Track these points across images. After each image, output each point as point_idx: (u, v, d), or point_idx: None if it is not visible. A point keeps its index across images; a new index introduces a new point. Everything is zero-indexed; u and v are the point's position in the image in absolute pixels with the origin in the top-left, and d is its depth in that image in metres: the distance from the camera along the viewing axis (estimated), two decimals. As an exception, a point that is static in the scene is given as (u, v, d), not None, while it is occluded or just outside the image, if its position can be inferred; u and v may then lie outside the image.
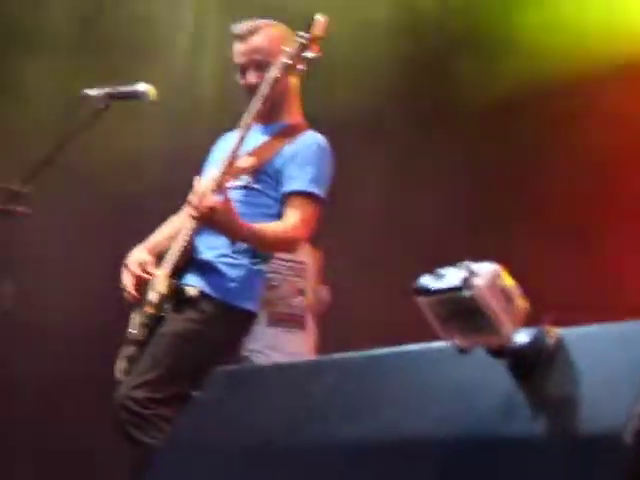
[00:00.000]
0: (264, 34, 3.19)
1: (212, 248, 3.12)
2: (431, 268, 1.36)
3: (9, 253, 3.38)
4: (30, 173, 3.36)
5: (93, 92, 3.36)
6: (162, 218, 3.42)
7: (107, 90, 3.33)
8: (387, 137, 5.06)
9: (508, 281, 1.33)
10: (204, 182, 3.15)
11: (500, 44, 4.78)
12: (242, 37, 3.21)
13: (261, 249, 3.10)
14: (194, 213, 3.02)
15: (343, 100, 4.85)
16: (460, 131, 4.91)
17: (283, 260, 3.89)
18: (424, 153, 5.13)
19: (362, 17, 4.80)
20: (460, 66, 4.87)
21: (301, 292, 4.39)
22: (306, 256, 4.34)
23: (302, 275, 4.42)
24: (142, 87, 3.32)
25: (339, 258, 4.74)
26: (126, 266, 3.18)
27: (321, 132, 3.28)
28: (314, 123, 3.35)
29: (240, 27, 3.20)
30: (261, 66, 3.11)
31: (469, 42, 4.92)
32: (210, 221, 2.99)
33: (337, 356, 1.66)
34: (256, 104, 3.06)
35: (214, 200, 2.95)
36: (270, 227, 3.08)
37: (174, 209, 3.32)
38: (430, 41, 4.97)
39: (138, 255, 3.21)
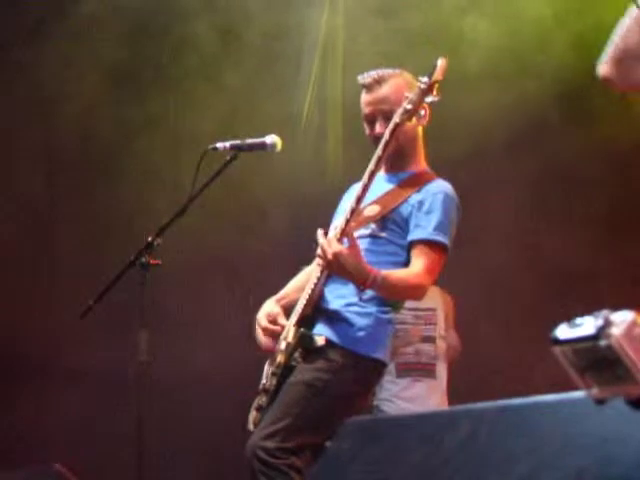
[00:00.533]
0: (390, 84, 3.21)
1: (340, 297, 3.14)
2: (571, 316, 1.35)
3: (143, 303, 3.48)
4: (163, 225, 3.48)
5: (222, 144, 3.47)
6: (293, 270, 3.49)
7: (235, 142, 3.43)
8: (517, 179, 5.04)
9: None
10: (331, 231, 3.20)
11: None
12: (368, 87, 3.25)
13: (388, 296, 3.10)
14: (321, 261, 3.06)
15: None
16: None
17: (410, 309, 3.89)
18: (564, 197, 5.12)
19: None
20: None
21: (430, 340, 4.38)
22: (435, 303, 4.34)
23: (431, 322, 4.42)
24: (270, 139, 3.41)
25: (472, 303, 4.72)
26: (257, 319, 3.24)
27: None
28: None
29: (366, 77, 3.24)
30: (388, 116, 3.13)
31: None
32: (337, 268, 3.02)
33: (471, 406, 1.63)
34: (379, 151, 3.09)
35: (340, 247, 2.98)
36: (396, 273, 3.08)
37: (304, 261, 3.37)
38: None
39: (267, 307, 3.26)
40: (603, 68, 2.60)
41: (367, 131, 3.26)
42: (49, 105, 5.43)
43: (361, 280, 3.01)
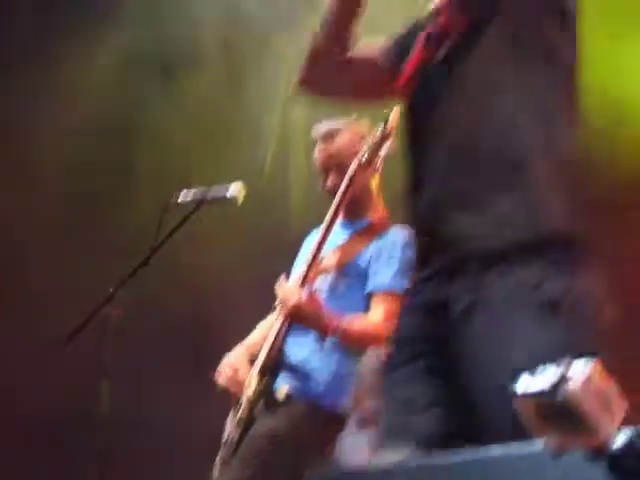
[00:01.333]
0: (344, 135, 3.24)
1: (302, 346, 3.14)
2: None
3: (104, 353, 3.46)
4: (124, 276, 3.47)
5: (183, 196, 3.47)
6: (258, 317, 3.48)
7: (197, 194, 3.43)
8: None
9: (604, 380, 1.32)
10: (291, 280, 3.20)
11: None
12: (323, 139, 3.27)
13: (349, 344, 3.11)
14: (281, 311, 3.06)
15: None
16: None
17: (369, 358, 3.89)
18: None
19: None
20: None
21: None
22: None
23: None
24: (233, 189, 3.40)
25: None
26: (221, 366, 3.22)
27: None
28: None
29: (320, 129, 3.26)
30: (342, 168, 3.15)
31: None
32: (297, 318, 3.03)
33: (417, 460, 1.64)
34: (336, 202, 3.12)
35: (299, 297, 2.99)
36: (357, 323, 3.09)
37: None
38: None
39: (232, 356, 3.25)
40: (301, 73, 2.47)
41: (321, 182, 3.27)
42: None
43: (322, 330, 3.01)
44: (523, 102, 1.92)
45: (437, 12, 2.07)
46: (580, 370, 1.33)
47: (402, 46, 2.20)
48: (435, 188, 1.95)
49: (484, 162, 1.91)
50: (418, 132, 2.05)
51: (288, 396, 3.06)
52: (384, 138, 3.06)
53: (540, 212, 1.85)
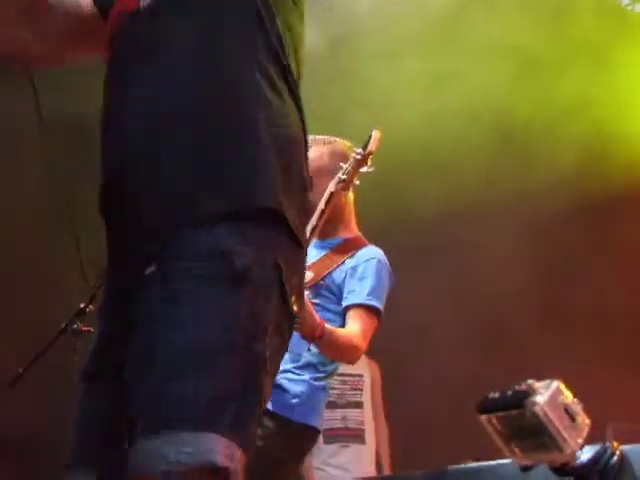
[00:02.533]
0: (323, 152, 3.27)
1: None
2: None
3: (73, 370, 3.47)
4: (94, 292, 3.45)
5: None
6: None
7: None
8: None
9: (570, 397, 1.36)
10: None
11: None
12: None
13: (330, 352, 3.11)
14: None
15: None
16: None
17: (338, 375, 3.90)
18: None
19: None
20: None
21: (358, 405, 4.42)
22: (362, 369, 4.38)
23: (357, 388, 4.47)
24: None
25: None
26: None
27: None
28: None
29: None
30: (320, 187, 3.17)
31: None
32: None
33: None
34: (313, 221, 3.14)
35: None
36: (341, 331, 3.11)
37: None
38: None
39: None
40: None
41: None
42: None
43: (311, 329, 3.01)
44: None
45: None
46: (545, 386, 1.38)
47: None
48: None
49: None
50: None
51: (264, 412, 3.06)
52: (364, 160, 3.09)
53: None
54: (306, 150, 1.65)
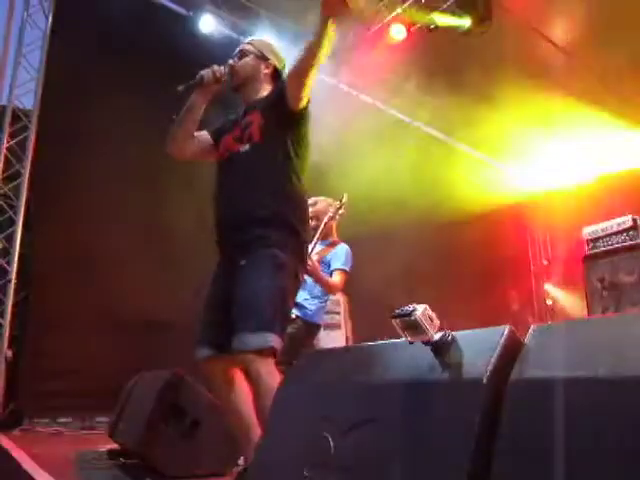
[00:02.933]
0: (322, 204, 6.58)
1: (300, 296, 5.66)
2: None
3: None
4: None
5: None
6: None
7: None
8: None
9: (430, 311, 2.33)
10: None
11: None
12: (311, 206, 6.55)
13: (326, 289, 5.95)
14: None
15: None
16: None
17: (330, 299, 6.85)
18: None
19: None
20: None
21: (337, 312, 7.80)
22: (341, 296, 8.09)
23: (338, 304, 7.45)
24: None
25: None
26: None
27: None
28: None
29: (309, 202, 5.83)
30: (320, 219, 6.35)
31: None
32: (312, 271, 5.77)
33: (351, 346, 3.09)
34: (318, 232, 5.95)
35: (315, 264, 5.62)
36: (331, 280, 5.85)
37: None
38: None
39: None
40: (168, 146, 4.23)
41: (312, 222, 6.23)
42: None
43: (318, 278, 5.97)
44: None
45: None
46: (422, 306, 2.40)
47: (218, 132, 4.11)
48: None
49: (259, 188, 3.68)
50: (223, 173, 3.96)
51: (296, 317, 5.64)
52: (340, 207, 5.92)
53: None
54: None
